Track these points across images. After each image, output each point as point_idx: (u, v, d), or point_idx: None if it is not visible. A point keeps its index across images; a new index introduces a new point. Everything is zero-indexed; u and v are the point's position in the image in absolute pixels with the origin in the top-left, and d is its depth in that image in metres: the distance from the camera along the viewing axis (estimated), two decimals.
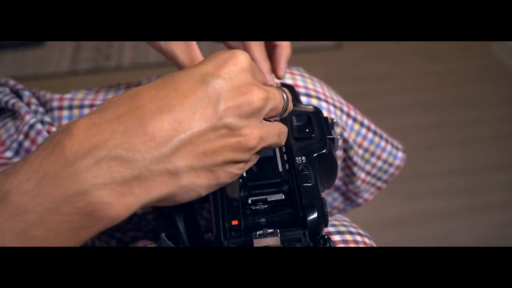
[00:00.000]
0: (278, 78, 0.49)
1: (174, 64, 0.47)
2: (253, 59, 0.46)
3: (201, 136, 0.31)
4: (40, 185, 0.27)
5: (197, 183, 0.32)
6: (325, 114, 0.53)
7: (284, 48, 0.48)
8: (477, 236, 1.17)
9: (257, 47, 0.47)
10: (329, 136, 0.42)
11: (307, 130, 0.43)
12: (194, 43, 0.45)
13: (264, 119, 0.35)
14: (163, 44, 0.45)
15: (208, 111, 0.31)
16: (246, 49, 0.47)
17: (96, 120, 0.30)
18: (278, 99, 0.35)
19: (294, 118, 0.44)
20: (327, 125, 0.43)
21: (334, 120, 0.46)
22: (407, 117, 1.51)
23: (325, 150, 0.41)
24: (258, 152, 0.36)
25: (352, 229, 0.45)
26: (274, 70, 0.49)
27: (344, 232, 0.44)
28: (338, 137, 0.44)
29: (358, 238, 0.44)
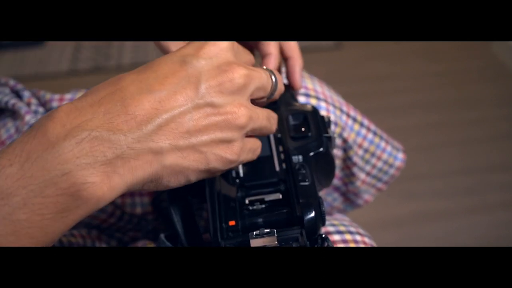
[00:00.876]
0: (295, 89, 0.49)
1: None
2: (268, 53, 0.46)
3: (183, 114, 0.31)
4: (23, 168, 0.27)
5: (184, 165, 0.31)
6: (324, 113, 0.53)
7: (297, 60, 0.48)
8: (477, 236, 1.17)
9: (274, 42, 0.47)
10: (326, 135, 0.42)
11: (303, 129, 0.42)
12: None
13: (253, 102, 0.35)
14: (164, 44, 0.45)
15: (189, 90, 0.31)
16: (262, 43, 0.47)
17: (78, 104, 0.30)
18: (264, 78, 0.35)
19: (290, 117, 0.43)
20: (323, 123, 0.43)
21: (332, 119, 0.46)
22: (407, 117, 1.51)
23: (321, 149, 0.41)
24: (252, 135, 0.35)
25: (352, 229, 0.45)
26: (290, 82, 0.49)
27: (344, 231, 0.44)
28: (335, 135, 0.44)
29: (358, 237, 0.44)
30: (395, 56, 1.78)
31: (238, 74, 0.32)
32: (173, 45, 0.44)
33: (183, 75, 0.31)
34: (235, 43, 0.35)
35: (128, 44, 1.92)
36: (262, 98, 0.36)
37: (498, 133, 1.45)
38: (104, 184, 0.28)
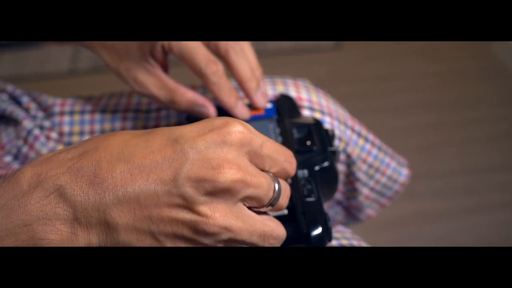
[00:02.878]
0: (257, 108, 0.47)
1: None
2: (240, 80, 0.45)
3: (149, 197, 0.28)
4: None
5: (137, 246, 0.29)
6: (328, 127, 0.53)
7: (245, 82, 0.46)
8: (477, 236, 1.17)
9: (245, 65, 0.45)
10: (331, 149, 0.42)
11: (308, 142, 0.42)
12: (163, 75, 0.46)
13: (252, 208, 0.31)
14: (138, 89, 0.45)
15: (166, 173, 0.28)
16: (230, 68, 0.45)
17: (61, 154, 0.29)
18: (263, 189, 0.30)
19: (294, 130, 0.43)
20: (328, 137, 0.43)
21: (336, 134, 0.45)
22: (407, 117, 1.51)
23: (327, 163, 0.41)
24: (231, 241, 0.30)
25: (355, 242, 0.45)
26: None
27: (346, 245, 0.44)
28: (339, 149, 0.43)
29: None
30: (395, 56, 1.78)
31: (225, 177, 0.28)
32: (149, 85, 0.45)
33: (168, 155, 0.28)
34: (257, 142, 0.30)
35: None
36: (256, 207, 0.31)
37: (498, 133, 1.45)
38: (63, 242, 0.28)
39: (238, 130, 0.30)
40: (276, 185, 0.32)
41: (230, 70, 0.46)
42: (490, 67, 1.71)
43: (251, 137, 0.30)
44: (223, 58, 0.45)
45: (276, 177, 0.32)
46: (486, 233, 1.18)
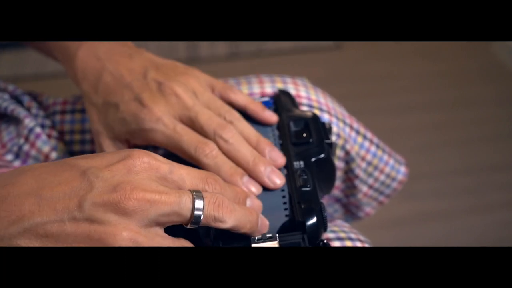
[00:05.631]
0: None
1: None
2: (242, 167, 0.40)
3: (56, 224, 0.29)
4: None
5: None
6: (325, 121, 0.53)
7: (247, 170, 0.40)
8: (477, 236, 1.17)
9: (241, 152, 0.41)
10: (327, 141, 0.42)
11: (304, 135, 0.43)
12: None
13: (172, 230, 0.32)
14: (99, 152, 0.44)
15: (72, 203, 0.30)
16: (227, 155, 0.41)
17: None
18: (173, 205, 0.31)
19: (291, 123, 0.44)
20: (324, 130, 0.43)
21: (334, 131, 0.45)
22: (407, 117, 1.51)
23: (323, 155, 0.41)
24: None
25: (352, 235, 0.45)
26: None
27: (344, 238, 0.44)
28: (336, 141, 0.44)
29: (359, 244, 0.44)
30: (395, 56, 1.78)
31: (127, 198, 0.30)
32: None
33: (75, 186, 0.30)
34: (165, 166, 0.32)
35: None
36: (180, 224, 0.32)
37: (498, 133, 1.45)
38: None
39: (143, 161, 0.32)
40: (199, 202, 0.31)
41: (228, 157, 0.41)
42: (490, 67, 1.71)
43: (158, 165, 0.32)
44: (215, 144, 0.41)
45: (201, 195, 0.32)
46: (486, 233, 1.18)
